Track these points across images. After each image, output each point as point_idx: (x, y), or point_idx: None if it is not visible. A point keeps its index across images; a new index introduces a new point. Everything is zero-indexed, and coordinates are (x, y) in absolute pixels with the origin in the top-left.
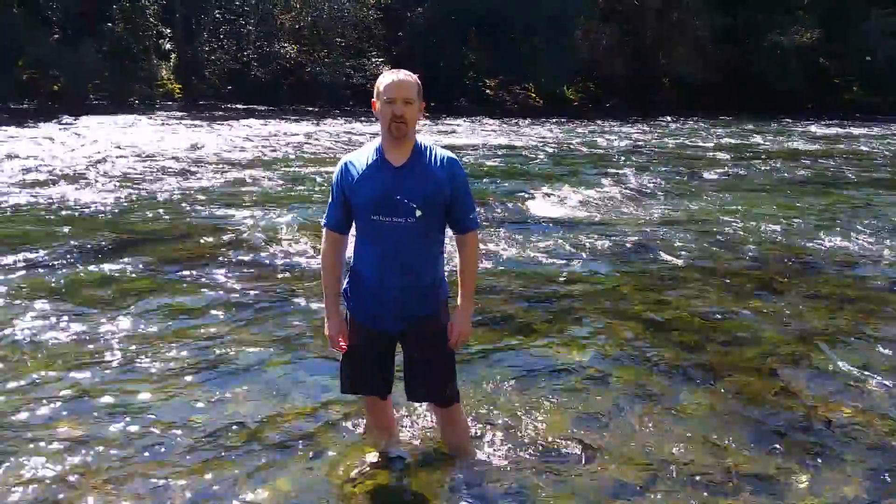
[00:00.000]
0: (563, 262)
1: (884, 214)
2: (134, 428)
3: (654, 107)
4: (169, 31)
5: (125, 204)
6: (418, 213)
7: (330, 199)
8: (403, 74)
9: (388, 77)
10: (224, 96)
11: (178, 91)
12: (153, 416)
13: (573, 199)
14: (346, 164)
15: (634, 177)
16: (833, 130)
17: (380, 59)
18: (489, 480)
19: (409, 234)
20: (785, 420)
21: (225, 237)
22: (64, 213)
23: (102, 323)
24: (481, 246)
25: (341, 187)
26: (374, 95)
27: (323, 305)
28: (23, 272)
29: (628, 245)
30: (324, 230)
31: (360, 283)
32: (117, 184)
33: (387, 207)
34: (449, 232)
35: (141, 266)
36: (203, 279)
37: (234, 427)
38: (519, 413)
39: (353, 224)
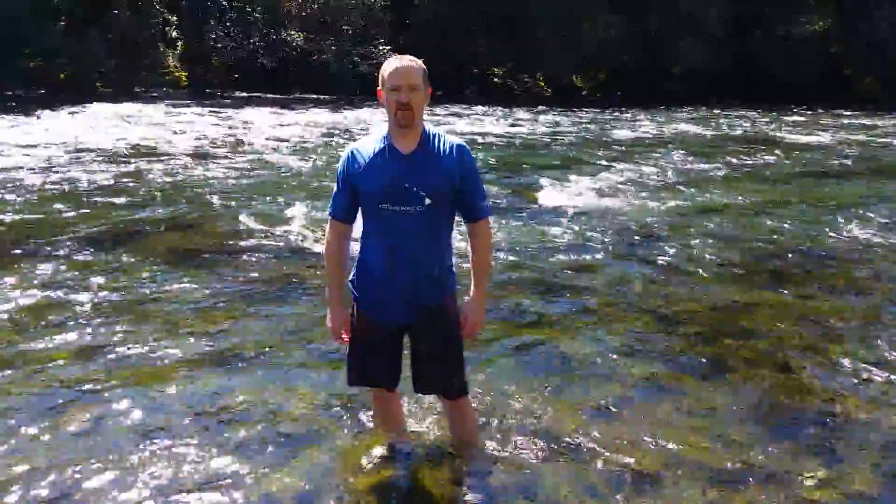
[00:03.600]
0: (573, 252)
1: (895, 206)
2: (140, 419)
3: (662, 97)
4: (175, 18)
5: (130, 193)
6: (427, 201)
7: (335, 189)
8: (408, 60)
9: (392, 64)
10: (230, 84)
11: (184, 79)
12: (159, 408)
13: (582, 190)
14: (352, 152)
15: (644, 167)
16: (843, 122)
17: (387, 47)
18: (497, 473)
19: (417, 223)
20: (798, 414)
21: (230, 227)
22: (69, 202)
23: (107, 313)
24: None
25: (348, 176)
26: (379, 84)
27: (325, 298)
28: (28, 262)
29: (638, 236)
30: (329, 220)
31: (367, 273)
32: (123, 173)
33: (395, 196)
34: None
35: (146, 256)
36: (208, 269)
37: (241, 419)
38: (528, 405)
39: (360, 214)
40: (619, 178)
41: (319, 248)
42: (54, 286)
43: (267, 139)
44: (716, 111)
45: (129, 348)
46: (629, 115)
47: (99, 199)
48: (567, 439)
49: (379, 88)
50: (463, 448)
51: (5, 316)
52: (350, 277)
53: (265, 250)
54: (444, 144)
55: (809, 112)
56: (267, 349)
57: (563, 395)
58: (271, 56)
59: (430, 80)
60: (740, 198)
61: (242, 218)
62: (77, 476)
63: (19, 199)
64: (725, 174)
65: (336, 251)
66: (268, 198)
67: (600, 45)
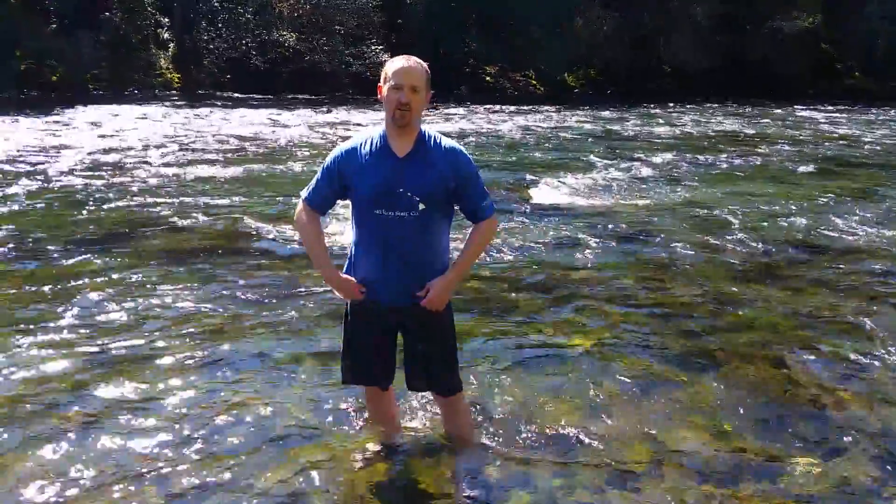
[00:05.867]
0: (566, 249)
1: (886, 201)
2: (134, 419)
3: (654, 93)
4: (167, 20)
5: (125, 194)
6: (421, 206)
7: (318, 177)
8: (413, 61)
9: (397, 63)
10: (223, 85)
11: (176, 80)
12: (153, 407)
13: (575, 187)
14: (347, 150)
15: (636, 164)
16: (834, 116)
17: (379, 47)
18: (492, 470)
19: (412, 228)
20: (789, 406)
21: (224, 227)
22: (63, 203)
23: (103, 312)
24: None
25: (340, 174)
26: (381, 80)
27: (320, 297)
28: (23, 263)
29: (630, 232)
30: (301, 202)
31: (360, 276)
32: (117, 174)
33: (389, 200)
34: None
35: (142, 256)
36: (203, 269)
37: (235, 419)
38: (522, 402)
39: (353, 218)
40: (611, 175)
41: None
42: (49, 287)
43: (260, 140)
44: (707, 107)
45: (124, 349)
46: (621, 113)
47: (93, 200)
48: (561, 434)
49: (381, 84)
50: (457, 445)
51: (1, 316)
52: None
53: (260, 251)
54: (439, 147)
55: (801, 107)
56: (261, 349)
57: (556, 391)
58: (263, 57)
59: (430, 84)
60: (732, 193)
61: (237, 219)
62: (70, 477)
63: (14, 200)
64: (717, 170)
65: (310, 222)
66: (261, 198)
67: (592, 42)
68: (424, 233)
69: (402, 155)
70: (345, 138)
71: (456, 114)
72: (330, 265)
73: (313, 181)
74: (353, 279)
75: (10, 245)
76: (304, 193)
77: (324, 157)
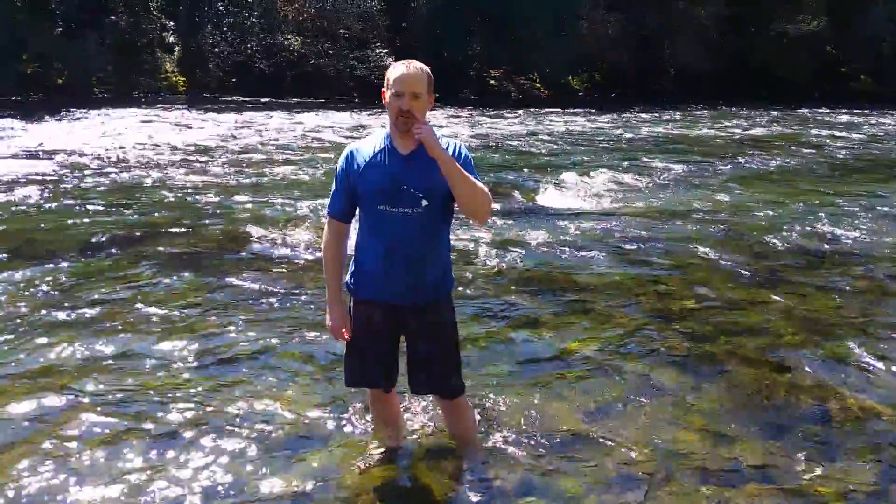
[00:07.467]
0: (570, 252)
1: (891, 204)
2: (138, 420)
3: (658, 96)
4: (172, 23)
5: (130, 197)
6: (424, 202)
7: (334, 187)
8: (414, 67)
9: (398, 69)
10: (228, 88)
11: (182, 84)
12: (158, 409)
13: (579, 190)
14: (352, 151)
15: (640, 167)
16: (839, 119)
17: (383, 51)
18: (496, 473)
19: (415, 225)
20: (793, 411)
21: (230, 229)
22: (68, 206)
23: (107, 314)
24: (484, 234)
25: (347, 175)
26: (385, 85)
27: (323, 300)
28: (28, 264)
29: (635, 236)
30: (327, 218)
31: (364, 273)
32: (122, 177)
33: (393, 197)
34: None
35: (146, 258)
36: (208, 271)
37: (238, 421)
38: (526, 405)
39: (359, 216)
40: (615, 178)
41: (316, 250)
42: (53, 289)
43: (264, 143)
44: (711, 110)
45: (125, 351)
46: (625, 115)
47: (96, 202)
48: (564, 437)
49: (384, 89)
50: (461, 447)
51: (5, 318)
52: (346, 279)
53: (263, 253)
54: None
55: (805, 110)
56: (264, 351)
57: (559, 393)
58: (268, 60)
59: (433, 87)
60: (736, 197)
61: (240, 221)
62: (71, 480)
63: (18, 203)
64: (722, 173)
65: (334, 250)
66: (265, 201)
67: (596, 44)
68: (427, 230)
69: (407, 153)
70: (349, 141)
71: (460, 117)
72: (335, 302)
73: (332, 192)
74: (347, 321)
75: (14, 247)
76: (326, 209)
77: (329, 160)
